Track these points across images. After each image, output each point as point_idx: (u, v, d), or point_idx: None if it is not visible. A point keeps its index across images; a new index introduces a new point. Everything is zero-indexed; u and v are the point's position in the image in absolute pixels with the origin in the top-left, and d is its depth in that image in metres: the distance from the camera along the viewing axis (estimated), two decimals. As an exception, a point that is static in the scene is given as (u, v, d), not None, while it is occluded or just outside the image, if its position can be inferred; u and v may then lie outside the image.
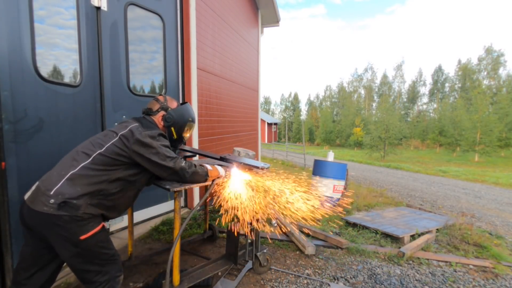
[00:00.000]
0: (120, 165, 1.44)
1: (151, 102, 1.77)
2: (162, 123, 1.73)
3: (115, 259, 1.44)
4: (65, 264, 1.49)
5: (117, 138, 1.47)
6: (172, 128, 1.75)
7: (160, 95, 1.81)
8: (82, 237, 1.28)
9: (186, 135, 1.86)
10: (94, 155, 1.39)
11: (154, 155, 1.48)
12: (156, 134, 1.53)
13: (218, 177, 1.83)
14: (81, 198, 1.30)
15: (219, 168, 1.86)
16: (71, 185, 1.30)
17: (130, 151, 1.45)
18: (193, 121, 1.85)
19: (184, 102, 1.88)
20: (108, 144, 1.44)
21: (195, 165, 1.68)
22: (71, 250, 1.30)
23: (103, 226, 1.40)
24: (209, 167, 1.78)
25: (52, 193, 1.26)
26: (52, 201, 1.25)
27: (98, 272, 1.37)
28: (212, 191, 1.83)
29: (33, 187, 1.35)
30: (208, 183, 1.81)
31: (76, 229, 1.28)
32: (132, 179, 1.50)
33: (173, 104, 1.80)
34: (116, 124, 1.65)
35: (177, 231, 1.67)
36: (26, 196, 1.33)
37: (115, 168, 1.42)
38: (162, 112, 1.74)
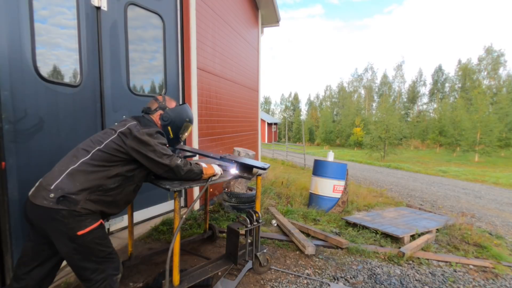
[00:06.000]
0: (118, 161, 1.47)
1: (151, 101, 1.81)
2: (159, 122, 1.76)
3: (112, 258, 1.45)
4: (65, 263, 1.49)
5: (115, 135, 1.51)
6: (169, 127, 1.78)
7: (160, 95, 1.83)
8: (79, 232, 1.30)
9: (183, 135, 1.89)
10: (93, 151, 1.43)
11: (151, 152, 1.52)
12: (153, 132, 1.57)
13: (213, 175, 1.86)
14: (80, 193, 1.32)
15: (215, 166, 1.89)
16: (70, 180, 1.33)
17: (128, 148, 1.49)
18: (190, 121, 1.87)
19: (183, 103, 1.90)
20: (107, 141, 1.48)
21: (190, 163, 1.72)
22: (68, 246, 1.32)
23: (101, 223, 1.42)
24: (204, 165, 1.81)
25: (52, 187, 1.29)
26: (51, 195, 1.28)
27: (95, 270, 1.38)
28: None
29: (37, 183, 1.38)
30: (203, 183, 1.82)
31: (74, 224, 1.30)
32: (130, 175, 1.53)
33: (171, 104, 1.82)
34: (116, 123, 1.67)
35: (176, 225, 1.67)
36: (30, 192, 1.36)
37: (113, 164, 1.46)
38: (160, 111, 1.77)
